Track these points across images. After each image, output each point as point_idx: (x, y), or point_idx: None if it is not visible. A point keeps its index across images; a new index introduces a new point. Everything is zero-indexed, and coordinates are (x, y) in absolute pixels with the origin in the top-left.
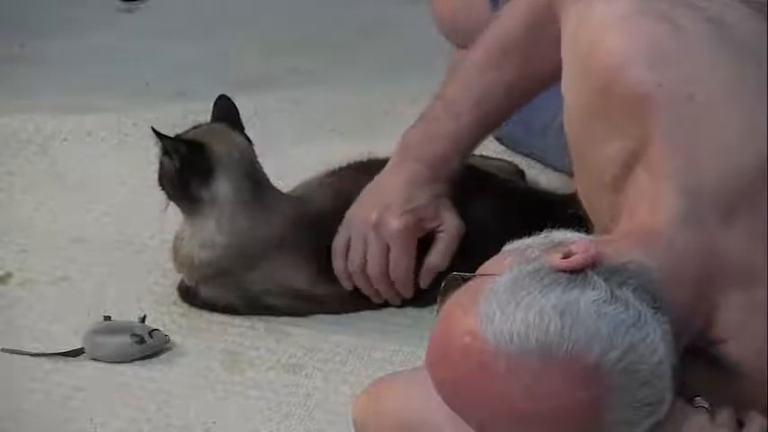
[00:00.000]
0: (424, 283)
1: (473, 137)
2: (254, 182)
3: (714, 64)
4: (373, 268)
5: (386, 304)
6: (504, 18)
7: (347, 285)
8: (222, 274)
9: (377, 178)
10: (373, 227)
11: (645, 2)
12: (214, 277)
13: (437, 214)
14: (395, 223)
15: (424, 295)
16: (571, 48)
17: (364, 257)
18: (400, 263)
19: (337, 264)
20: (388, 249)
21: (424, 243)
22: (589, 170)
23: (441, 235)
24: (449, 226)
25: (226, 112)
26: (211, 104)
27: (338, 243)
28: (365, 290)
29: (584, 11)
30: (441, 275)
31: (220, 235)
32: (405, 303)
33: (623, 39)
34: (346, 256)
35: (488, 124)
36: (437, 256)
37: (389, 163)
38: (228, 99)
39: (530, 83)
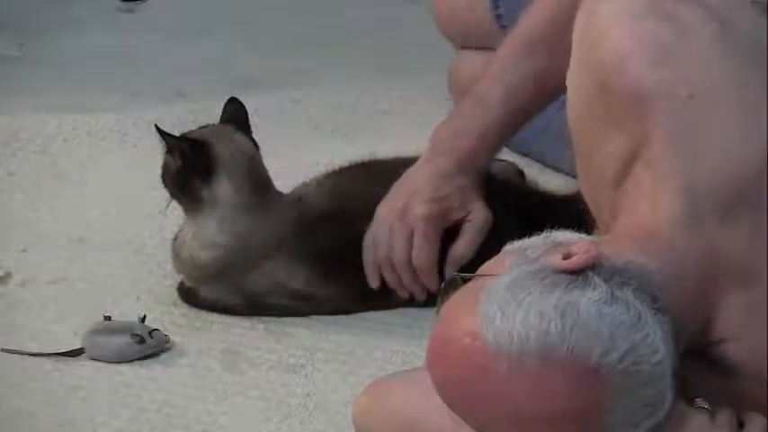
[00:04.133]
0: (449, 273)
1: (501, 132)
2: (256, 183)
3: (716, 63)
4: (397, 254)
5: (411, 302)
6: (531, 15)
7: (374, 282)
8: (223, 274)
9: (406, 173)
10: (399, 214)
11: None
12: (214, 278)
13: (464, 205)
14: (420, 209)
15: None
16: (578, 43)
17: (390, 246)
18: (423, 249)
19: (366, 256)
20: (412, 236)
21: (451, 235)
22: (591, 167)
23: (467, 225)
24: (475, 216)
25: (235, 115)
26: (211, 104)
27: (368, 237)
28: (391, 281)
29: (593, 7)
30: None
31: (221, 235)
32: (429, 300)
33: (626, 35)
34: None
35: (517, 118)
36: (463, 246)
37: (419, 160)
38: (238, 102)
39: (558, 75)
